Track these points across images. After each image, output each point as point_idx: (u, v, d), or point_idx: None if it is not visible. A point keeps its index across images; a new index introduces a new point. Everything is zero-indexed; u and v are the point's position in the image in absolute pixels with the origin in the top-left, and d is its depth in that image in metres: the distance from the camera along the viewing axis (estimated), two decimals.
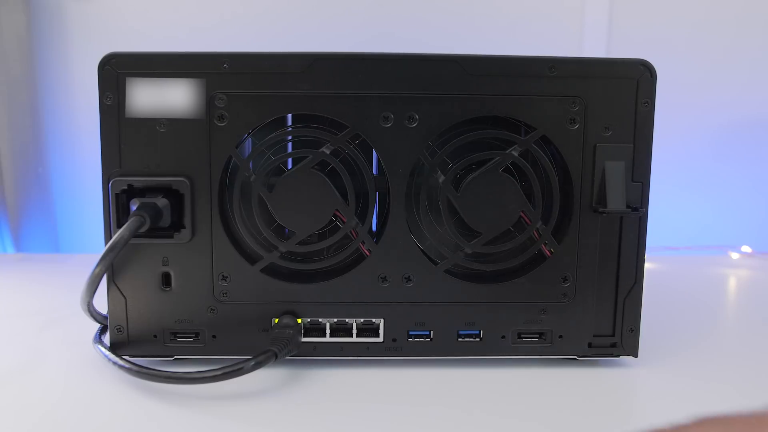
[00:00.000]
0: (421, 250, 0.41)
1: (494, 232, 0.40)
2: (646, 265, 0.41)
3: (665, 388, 0.39)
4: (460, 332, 0.41)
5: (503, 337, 0.41)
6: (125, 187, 0.38)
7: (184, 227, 0.39)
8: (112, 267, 0.39)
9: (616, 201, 0.38)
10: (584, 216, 0.40)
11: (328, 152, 0.38)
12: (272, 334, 0.39)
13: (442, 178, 0.39)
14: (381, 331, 0.41)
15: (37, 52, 0.92)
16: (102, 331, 0.43)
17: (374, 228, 0.42)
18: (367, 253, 0.40)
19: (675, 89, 0.92)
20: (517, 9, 0.94)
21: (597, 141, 0.39)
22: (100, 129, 0.38)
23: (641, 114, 0.39)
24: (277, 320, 0.40)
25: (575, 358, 0.42)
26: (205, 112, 0.38)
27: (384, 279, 0.40)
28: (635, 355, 0.41)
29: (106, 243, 0.37)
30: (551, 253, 0.40)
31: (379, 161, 0.40)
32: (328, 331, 0.41)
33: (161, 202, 0.38)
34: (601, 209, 0.39)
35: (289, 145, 0.41)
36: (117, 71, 0.38)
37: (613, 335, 0.41)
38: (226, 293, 0.40)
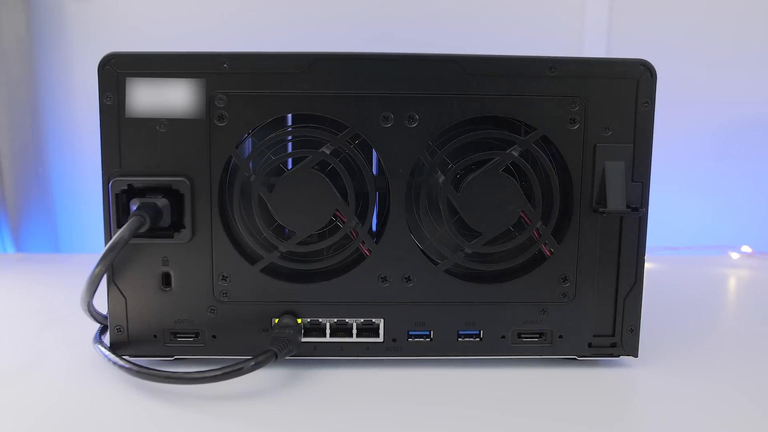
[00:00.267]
0: (421, 250, 0.41)
1: (494, 232, 0.40)
2: (646, 265, 0.41)
3: (665, 388, 0.39)
4: (460, 332, 0.41)
5: (503, 337, 0.41)
6: (125, 187, 0.38)
7: (184, 227, 0.39)
8: (112, 267, 0.39)
9: (616, 201, 0.38)
10: (584, 216, 0.40)
11: (328, 152, 0.38)
12: (272, 334, 0.39)
13: (442, 178, 0.39)
14: (381, 331, 0.41)
15: (37, 52, 0.92)
16: (102, 331, 0.43)
17: (374, 228, 0.42)
18: (367, 253, 0.40)
19: (675, 89, 0.92)
20: (517, 9, 0.94)
21: (597, 141, 0.39)
22: (100, 129, 0.38)
23: (641, 114, 0.39)
24: (277, 320, 0.40)
25: (575, 358, 0.42)
26: (205, 112, 0.38)
27: (384, 279, 0.40)
28: (635, 355, 0.41)
29: (106, 243, 0.37)
30: (551, 253, 0.40)
31: (379, 161, 0.40)
32: (328, 331, 0.41)
33: (161, 202, 0.38)
34: (601, 209, 0.39)
35: (289, 145, 0.41)
36: (117, 71, 0.38)
37: (613, 335, 0.41)
38: (226, 293, 0.40)
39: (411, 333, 0.41)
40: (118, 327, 0.40)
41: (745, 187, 0.98)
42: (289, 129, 0.41)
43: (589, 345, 0.41)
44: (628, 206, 0.39)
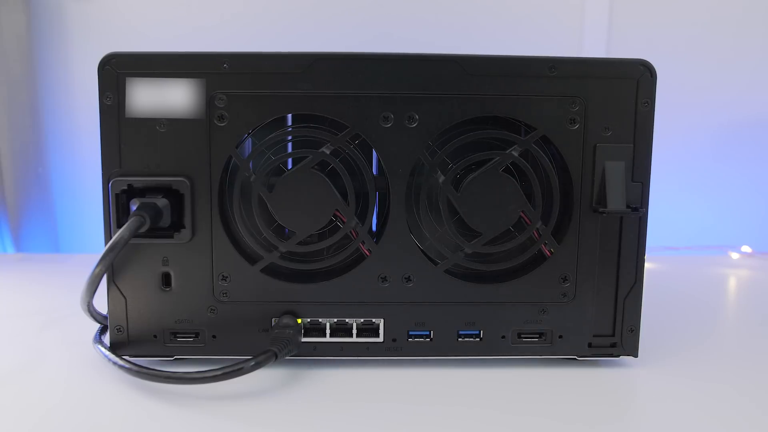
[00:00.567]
0: (421, 250, 0.41)
1: (494, 232, 0.40)
2: (646, 265, 0.41)
3: (665, 388, 0.39)
4: (460, 332, 0.41)
5: (503, 337, 0.41)
6: (125, 187, 0.38)
7: (184, 227, 0.39)
8: (112, 267, 0.39)
9: (616, 201, 0.38)
10: (584, 216, 0.40)
11: (328, 152, 0.38)
12: (272, 334, 0.39)
13: (442, 178, 0.39)
14: (381, 331, 0.41)
15: (37, 52, 0.92)
16: (102, 331, 0.43)
17: (374, 228, 0.42)
18: (367, 253, 0.40)
19: (675, 89, 0.92)
20: (516, 9, 0.94)
21: (597, 141, 0.39)
22: (100, 129, 0.38)
23: (641, 114, 0.39)
24: (277, 320, 0.40)
25: (575, 358, 0.42)
26: (205, 112, 0.38)
27: (384, 279, 0.40)
28: (635, 355, 0.41)
29: (106, 243, 0.37)
30: (551, 253, 0.40)
31: (379, 161, 0.40)
32: (328, 331, 0.41)
33: (161, 202, 0.38)
34: (601, 209, 0.39)
35: (289, 145, 0.41)
36: (117, 71, 0.38)
37: (613, 335, 0.41)
38: (226, 293, 0.40)
39: (411, 333, 0.41)
40: (118, 327, 0.40)
41: (745, 187, 0.98)
42: (289, 129, 0.41)
43: (589, 345, 0.41)
44: (628, 206, 0.39)
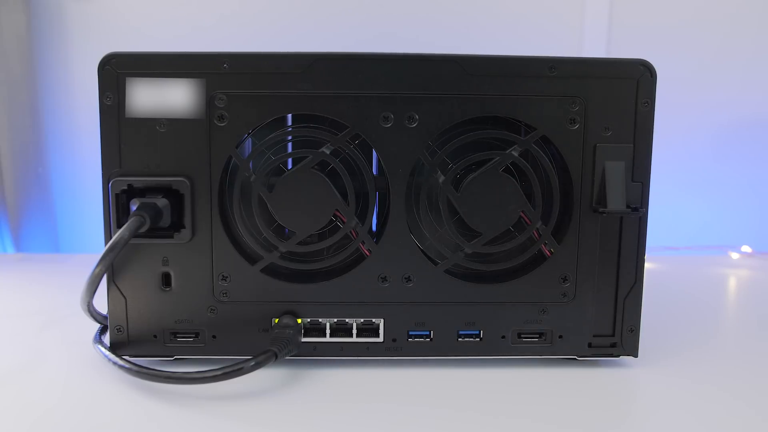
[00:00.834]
0: (421, 250, 0.41)
1: (494, 232, 0.40)
2: (646, 265, 0.41)
3: (665, 388, 0.39)
4: (460, 332, 0.41)
5: (503, 337, 0.41)
6: (125, 187, 0.38)
7: (184, 227, 0.39)
8: (112, 267, 0.39)
9: (616, 201, 0.38)
10: (584, 216, 0.40)
11: (328, 152, 0.38)
12: (272, 334, 0.39)
13: (442, 178, 0.39)
14: (381, 331, 0.41)
15: (37, 52, 0.92)
16: (102, 331, 0.43)
17: (374, 228, 0.42)
18: (367, 253, 0.40)
19: (675, 89, 0.92)
20: (517, 9, 0.94)
21: (597, 141, 0.39)
22: (100, 129, 0.38)
23: (641, 114, 0.39)
24: (277, 320, 0.40)
25: (575, 358, 0.42)
26: (205, 112, 0.38)
27: (384, 279, 0.40)
28: (635, 355, 0.41)
29: (106, 243, 0.37)
30: (551, 253, 0.40)
31: (379, 161, 0.40)
32: (328, 331, 0.41)
33: (161, 202, 0.38)
34: (601, 209, 0.39)
35: (289, 145, 0.41)
36: (117, 71, 0.38)
37: (613, 335, 0.41)
38: (226, 293, 0.40)
39: (411, 333, 0.41)
40: (118, 327, 0.40)
41: (745, 187, 0.98)
42: (289, 129, 0.41)
43: (589, 345, 0.41)
44: (628, 206, 0.39)
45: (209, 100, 0.38)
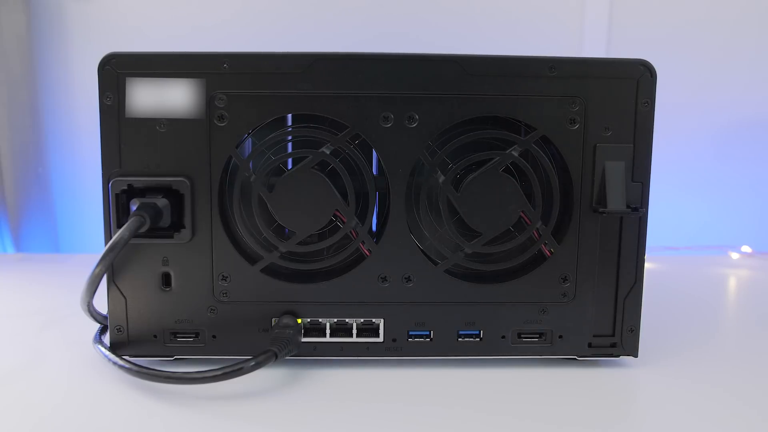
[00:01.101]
0: (421, 250, 0.41)
1: (494, 232, 0.40)
2: (646, 265, 0.41)
3: (665, 388, 0.39)
4: (460, 332, 0.41)
5: (503, 337, 0.41)
6: (125, 187, 0.38)
7: (184, 227, 0.39)
8: (112, 267, 0.39)
9: (616, 201, 0.38)
10: (584, 216, 0.40)
11: (328, 152, 0.38)
12: (272, 334, 0.39)
13: (442, 178, 0.39)
14: (381, 331, 0.41)
15: (37, 52, 0.92)
16: (102, 331, 0.43)
17: (374, 228, 0.42)
18: (367, 253, 0.40)
19: (675, 89, 0.92)
20: (517, 9, 0.94)
21: (597, 141, 0.39)
22: (100, 129, 0.38)
23: (641, 114, 0.39)
24: (276, 320, 0.40)
25: (575, 358, 0.42)
26: (205, 112, 0.38)
27: (384, 279, 0.40)
28: (635, 355, 0.41)
29: (106, 243, 0.37)
30: (551, 253, 0.40)
31: (379, 161, 0.40)
32: (328, 331, 0.41)
33: (161, 202, 0.38)
34: (601, 209, 0.39)
35: (289, 145, 0.41)
36: (117, 71, 0.38)
37: (613, 335, 0.41)
38: (226, 293, 0.40)
39: (411, 333, 0.41)
40: (118, 327, 0.40)
41: (746, 187, 0.98)
42: (289, 129, 0.41)
43: (589, 345, 0.41)
44: (628, 206, 0.39)
45: (209, 100, 0.38)
